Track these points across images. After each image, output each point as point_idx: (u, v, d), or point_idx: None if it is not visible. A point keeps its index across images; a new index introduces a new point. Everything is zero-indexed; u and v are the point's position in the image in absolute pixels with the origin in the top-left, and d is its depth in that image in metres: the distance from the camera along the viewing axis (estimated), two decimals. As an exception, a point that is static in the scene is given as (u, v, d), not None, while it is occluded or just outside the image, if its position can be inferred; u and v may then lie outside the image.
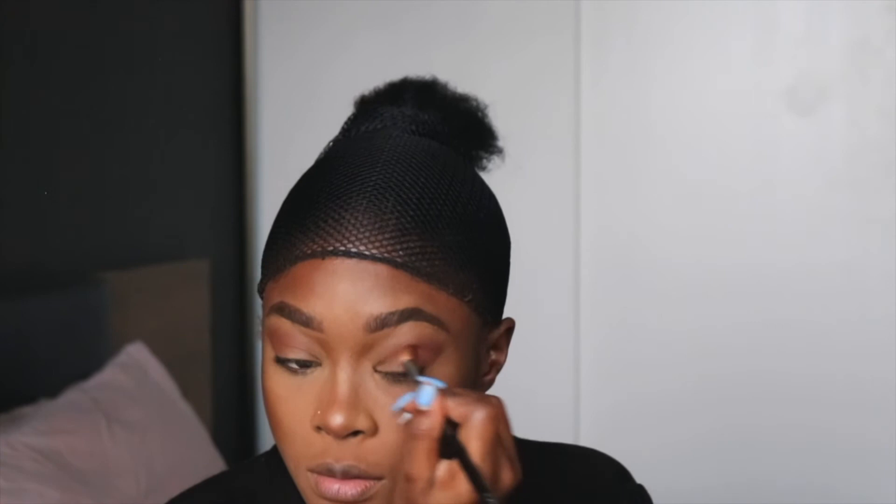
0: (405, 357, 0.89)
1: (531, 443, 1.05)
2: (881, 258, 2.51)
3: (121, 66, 2.38)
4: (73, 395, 1.99)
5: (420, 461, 0.85)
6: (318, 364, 0.91)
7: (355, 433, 0.90)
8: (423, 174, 0.94)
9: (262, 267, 0.96)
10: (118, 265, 2.31)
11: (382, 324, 0.89)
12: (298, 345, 0.91)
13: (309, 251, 0.91)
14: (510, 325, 0.99)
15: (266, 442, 2.79)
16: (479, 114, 1.04)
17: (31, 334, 2.02)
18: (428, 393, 0.85)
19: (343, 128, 1.05)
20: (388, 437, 0.90)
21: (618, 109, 2.64)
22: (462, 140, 1.02)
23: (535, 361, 2.62)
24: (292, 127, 2.79)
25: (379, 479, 0.91)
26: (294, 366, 0.92)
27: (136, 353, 2.17)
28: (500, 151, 1.05)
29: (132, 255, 2.40)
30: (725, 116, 2.60)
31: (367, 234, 0.90)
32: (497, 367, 0.99)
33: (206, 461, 2.13)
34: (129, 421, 2.00)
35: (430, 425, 0.85)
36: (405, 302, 0.90)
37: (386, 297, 0.89)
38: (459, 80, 1.05)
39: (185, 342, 2.45)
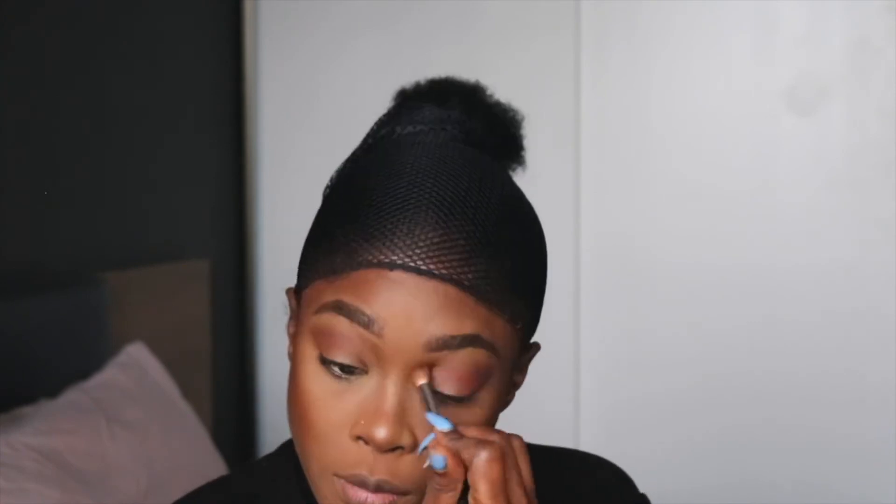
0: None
1: (533, 447, 1.05)
2: (881, 258, 2.51)
3: (121, 66, 2.38)
4: (73, 395, 1.99)
5: None
6: (364, 372, 0.89)
7: (394, 448, 0.89)
8: (486, 192, 0.92)
9: (307, 264, 0.93)
10: (118, 265, 2.31)
11: (443, 346, 0.88)
12: (350, 347, 0.89)
13: (375, 260, 0.88)
14: (537, 350, 0.99)
15: (266, 442, 2.79)
16: (518, 126, 1.04)
17: (31, 334, 2.02)
18: (439, 460, 0.85)
19: (382, 121, 1.03)
20: (425, 455, 0.89)
21: (618, 109, 2.64)
22: (500, 150, 1.01)
23: (536, 362, 2.62)
24: (292, 127, 2.79)
25: (405, 493, 0.90)
26: (337, 370, 0.89)
27: (136, 353, 2.17)
28: (524, 164, 1.04)
29: (132, 255, 2.40)
30: (725, 116, 2.60)
31: (436, 252, 0.88)
32: (516, 388, 0.99)
33: (206, 461, 2.13)
34: (129, 421, 2.00)
35: (452, 485, 0.85)
36: (468, 327, 0.88)
37: (450, 319, 0.88)
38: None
39: (185, 342, 2.45)
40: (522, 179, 1.00)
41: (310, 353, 0.90)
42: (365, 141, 1.02)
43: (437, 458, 0.85)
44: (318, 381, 0.90)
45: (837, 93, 2.53)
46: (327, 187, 1.00)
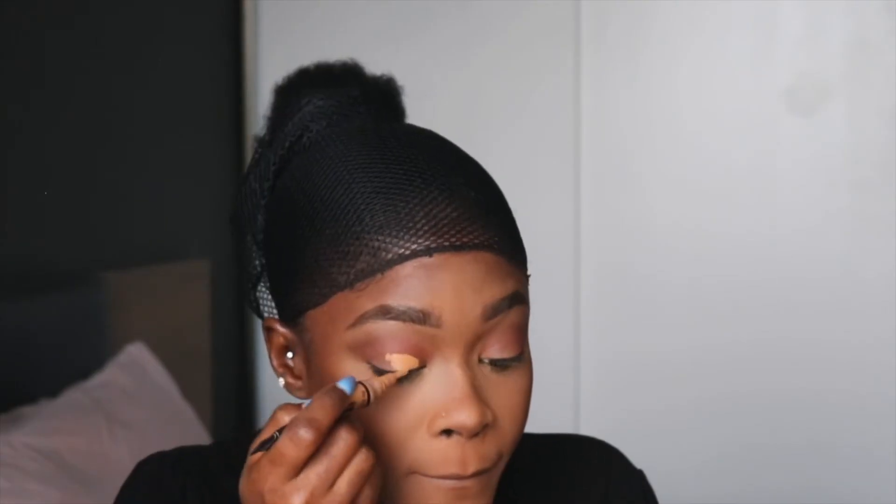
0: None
1: (530, 435, 1.05)
2: (881, 258, 2.51)
3: (120, 66, 2.38)
4: (73, 395, 1.99)
5: None
6: (423, 365, 0.88)
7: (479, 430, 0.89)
8: (456, 155, 0.94)
9: (310, 283, 0.90)
10: (118, 265, 2.30)
11: (497, 310, 0.89)
12: (405, 347, 0.87)
13: (408, 252, 0.87)
14: None
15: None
16: (400, 93, 1.03)
17: (31, 334, 2.02)
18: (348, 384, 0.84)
19: (273, 121, 1.02)
20: (504, 424, 0.90)
21: (618, 109, 2.64)
22: (397, 119, 1.02)
23: (535, 363, 2.62)
24: (292, 127, 2.78)
25: (495, 466, 0.90)
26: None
27: (136, 353, 2.17)
28: None
29: (132, 255, 2.40)
30: (725, 116, 2.60)
31: (461, 224, 0.88)
32: None
33: (206, 461, 2.13)
34: (129, 421, 2.00)
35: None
36: (511, 286, 0.90)
37: (496, 283, 0.89)
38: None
39: (185, 342, 2.45)
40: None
41: (355, 369, 0.88)
42: (279, 145, 0.99)
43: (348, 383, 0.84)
44: None
45: (837, 93, 2.53)
46: (268, 212, 0.97)
